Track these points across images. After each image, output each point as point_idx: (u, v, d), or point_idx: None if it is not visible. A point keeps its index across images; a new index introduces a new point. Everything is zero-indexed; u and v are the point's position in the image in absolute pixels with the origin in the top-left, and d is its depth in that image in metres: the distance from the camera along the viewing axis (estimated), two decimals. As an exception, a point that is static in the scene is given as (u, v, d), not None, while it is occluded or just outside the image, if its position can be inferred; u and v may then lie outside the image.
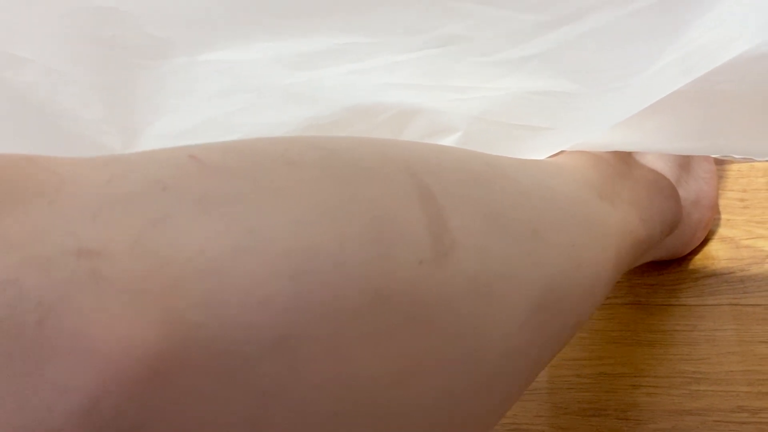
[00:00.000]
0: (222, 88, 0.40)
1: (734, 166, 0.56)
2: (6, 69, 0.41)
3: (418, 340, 0.23)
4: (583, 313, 0.34)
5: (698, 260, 0.53)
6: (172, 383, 0.18)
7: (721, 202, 0.54)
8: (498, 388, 0.28)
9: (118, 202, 0.20)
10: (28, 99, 0.42)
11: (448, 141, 0.41)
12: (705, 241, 0.53)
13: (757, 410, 0.45)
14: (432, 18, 0.33)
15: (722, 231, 0.53)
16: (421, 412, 0.24)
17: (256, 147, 0.24)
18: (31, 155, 0.20)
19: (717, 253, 0.53)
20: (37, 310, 0.17)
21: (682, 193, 0.48)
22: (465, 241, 0.26)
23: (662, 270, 0.53)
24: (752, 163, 0.55)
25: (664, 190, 0.46)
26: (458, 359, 0.25)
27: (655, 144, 0.42)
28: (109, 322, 0.18)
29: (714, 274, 0.52)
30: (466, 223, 0.26)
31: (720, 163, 0.55)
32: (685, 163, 0.49)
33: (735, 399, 0.46)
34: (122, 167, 0.21)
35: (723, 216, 0.54)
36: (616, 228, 0.38)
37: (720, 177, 0.55)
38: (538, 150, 0.41)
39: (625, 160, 0.45)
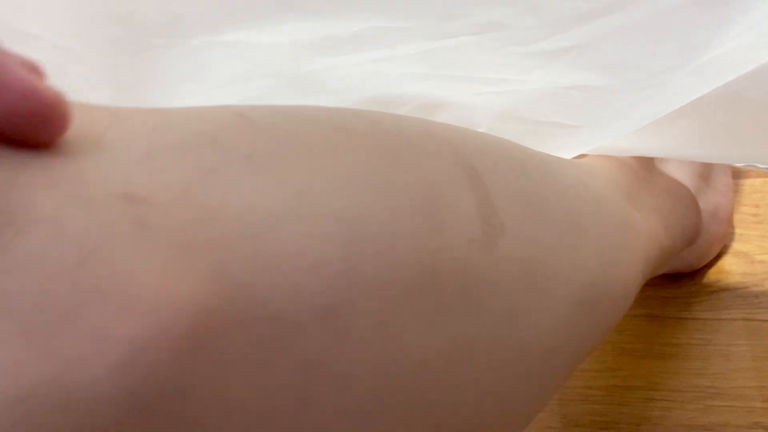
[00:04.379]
0: (238, 73, 0.39)
1: (748, 181, 0.55)
2: (13, 46, 0.39)
3: (468, 324, 0.22)
4: (615, 316, 0.32)
5: (712, 274, 0.52)
6: (219, 345, 0.17)
7: (735, 217, 0.53)
8: (539, 388, 0.26)
9: (165, 150, 0.18)
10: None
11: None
12: (719, 255, 0.52)
13: (774, 427, 0.44)
14: (471, 2, 0.31)
15: (736, 245, 0.52)
16: (465, 406, 0.23)
17: (303, 111, 0.22)
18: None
19: (730, 268, 0.52)
20: (78, 250, 0.16)
21: (701, 204, 0.47)
22: (512, 226, 0.24)
23: (675, 283, 0.52)
24: (766, 179, 0.55)
25: (686, 200, 0.45)
26: (506, 350, 0.23)
27: (679, 150, 0.41)
28: (156, 272, 0.16)
29: (727, 289, 0.51)
30: (511, 207, 0.25)
31: (735, 177, 0.54)
32: (705, 174, 0.48)
33: (750, 415, 0.45)
34: (166, 118, 0.19)
35: (737, 230, 0.53)
36: (644, 233, 0.37)
37: (734, 191, 0.54)
38: (562, 150, 0.40)
39: (647, 166, 0.44)
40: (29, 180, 0.16)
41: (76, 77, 0.40)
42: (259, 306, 0.18)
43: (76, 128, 0.18)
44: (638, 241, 0.35)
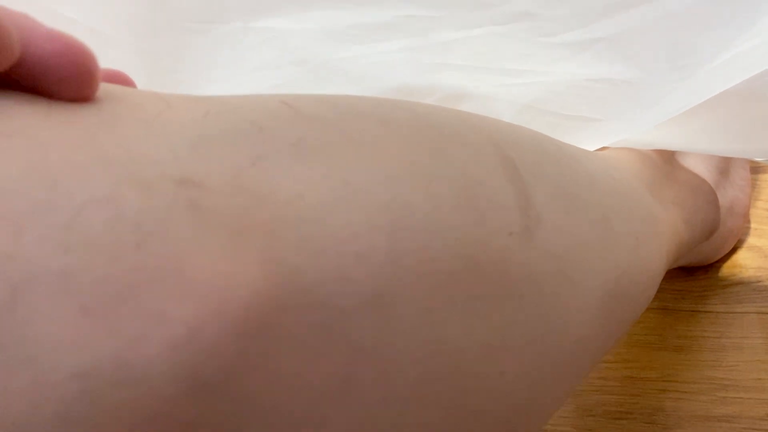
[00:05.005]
0: (268, 60, 0.39)
1: (764, 176, 0.55)
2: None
3: (506, 315, 0.23)
4: (639, 309, 0.33)
5: (726, 268, 0.52)
6: (271, 329, 0.17)
7: (751, 212, 0.54)
8: (567, 380, 0.27)
9: (216, 136, 0.19)
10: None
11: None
12: (733, 250, 0.53)
13: (787, 419, 0.45)
14: (500, -8, 0.32)
15: (751, 240, 0.53)
16: (498, 395, 0.23)
17: (346, 101, 0.23)
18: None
19: (745, 262, 0.52)
20: (135, 233, 0.16)
21: (719, 198, 0.48)
22: (548, 219, 0.25)
23: (689, 276, 0.52)
24: (782, 174, 0.55)
25: (706, 194, 0.45)
26: (540, 342, 0.24)
27: (701, 144, 0.42)
28: (210, 255, 0.17)
29: (741, 283, 0.51)
30: (547, 200, 0.25)
31: (752, 172, 0.54)
32: (724, 168, 0.49)
33: (764, 406, 0.45)
34: (216, 105, 0.20)
35: (752, 225, 0.53)
36: (666, 227, 0.37)
37: (751, 186, 0.54)
38: (585, 142, 0.40)
39: (668, 160, 0.44)
40: (83, 160, 0.17)
41: (109, 62, 0.40)
42: (308, 291, 0.18)
43: (127, 112, 0.18)
44: (662, 234, 0.36)
